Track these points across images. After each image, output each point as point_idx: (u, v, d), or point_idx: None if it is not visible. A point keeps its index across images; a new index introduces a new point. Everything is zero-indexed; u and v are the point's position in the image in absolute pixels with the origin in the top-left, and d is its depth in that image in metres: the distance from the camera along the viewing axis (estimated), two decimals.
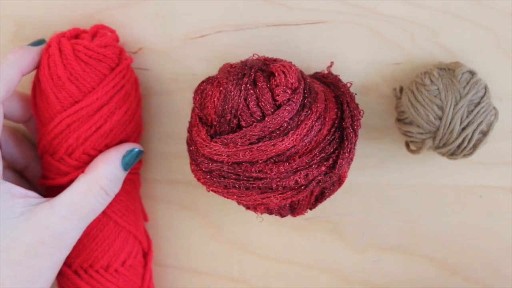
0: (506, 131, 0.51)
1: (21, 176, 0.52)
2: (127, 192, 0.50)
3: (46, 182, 0.49)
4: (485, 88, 0.47)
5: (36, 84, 0.48)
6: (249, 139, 0.43)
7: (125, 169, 0.47)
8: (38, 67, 0.48)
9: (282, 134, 0.43)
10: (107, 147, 0.48)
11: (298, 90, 0.43)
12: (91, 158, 0.48)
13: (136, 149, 0.48)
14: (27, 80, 0.49)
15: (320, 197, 0.47)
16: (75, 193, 0.45)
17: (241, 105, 0.43)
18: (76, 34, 0.49)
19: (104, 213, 0.48)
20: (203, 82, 0.46)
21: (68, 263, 0.49)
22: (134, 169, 0.50)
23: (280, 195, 0.44)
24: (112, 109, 0.47)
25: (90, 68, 0.47)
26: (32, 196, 0.45)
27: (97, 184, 0.46)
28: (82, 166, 0.48)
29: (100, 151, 0.48)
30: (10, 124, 0.52)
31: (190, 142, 0.46)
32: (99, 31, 0.49)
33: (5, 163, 0.51)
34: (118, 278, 0.49)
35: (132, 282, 0.50)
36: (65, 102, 0.47)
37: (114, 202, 0.49)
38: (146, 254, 0.52)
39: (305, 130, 0.43)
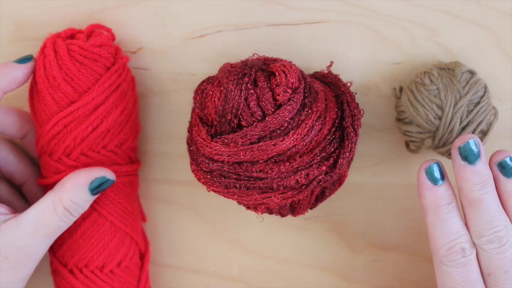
0: (506, 131, 0.51)
1: (19, 191, 0.52)
2: (125, 194, 0.50)
3: (44, 181, 0.49)
4: (485, 87, 0.47)
5: (33, 85, 0.48)
6: (249, 139, 0.43)
7: (92, 194, 0.46)
8: (24, 83, 0.48)
9: (282, 133, 0.43)
10: (105, 148, 0.48)
11: (298, 90, 0.43)
12: (89, 159, 0.48)
13: (107, 178, 0.47)
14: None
15: (321, 197, 0.47)
16: (41, 211, 0.45)
17: (241, 104, 0.43)
18: (71, 34, 0.49)
19: (100, 214, 0.48)
20: (203, 82, 0.46)
21: (64, 262, 0.49)
22: (133, 170, 0.50)
23: (281, 195, 0.44)
24: (109, 108, 0.47)
25: (85, 68, 0.47)
26: (0, 212, 0.46)
27: (61, 204, 0.45)
28: (80, 167, 0.47)
29: (98, 153, 0.48)
30: (11, 139, 0.52)
31: (191, 142, 0.46)
32: (94, 31, 0.49)
33: (2, 176, 0.52)
34: (113, 279, 0.49)
35: (127, 283, 0.50)
36: (61, 103, 0.47)
37: (111, 203, 0.49)
38: (143, 256, 0.52)
39: (305, 130, 0.43)
